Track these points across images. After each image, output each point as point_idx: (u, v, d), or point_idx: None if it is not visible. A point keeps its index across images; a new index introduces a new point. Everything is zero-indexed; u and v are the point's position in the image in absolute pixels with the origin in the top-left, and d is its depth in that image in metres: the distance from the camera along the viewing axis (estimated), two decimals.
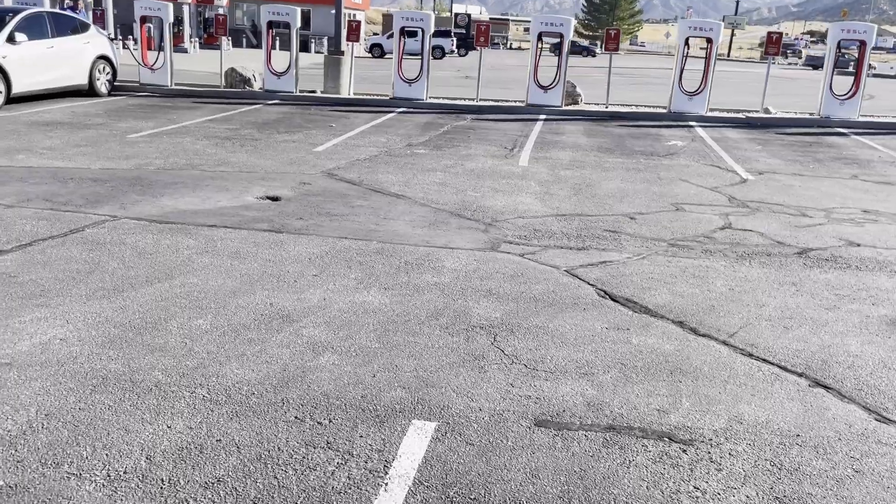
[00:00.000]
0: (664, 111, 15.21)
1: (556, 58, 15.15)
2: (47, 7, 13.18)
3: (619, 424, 3.16)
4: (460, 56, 45.69)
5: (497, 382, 3.49)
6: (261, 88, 15.85)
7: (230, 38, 16.57)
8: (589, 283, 4.99)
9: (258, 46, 35.70)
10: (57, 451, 2.77)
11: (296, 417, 3.10)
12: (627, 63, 40.64)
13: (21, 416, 3.01)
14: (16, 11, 12.30)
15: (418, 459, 2.83)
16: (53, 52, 12.76)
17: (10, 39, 11.78)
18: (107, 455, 2.76)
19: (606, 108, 15.51)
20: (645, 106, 16.32)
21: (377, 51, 39.56)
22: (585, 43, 63.56)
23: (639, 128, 13.57)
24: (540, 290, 4.82)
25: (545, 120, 14.05)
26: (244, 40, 38.21)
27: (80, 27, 13.78)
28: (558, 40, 15.29)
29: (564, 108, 15.15)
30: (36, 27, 12.40)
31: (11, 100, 11.99)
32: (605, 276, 5.17)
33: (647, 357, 3.86)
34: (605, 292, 4.84)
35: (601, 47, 52.80)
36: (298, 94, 15.48)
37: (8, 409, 3.05)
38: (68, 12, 15.20)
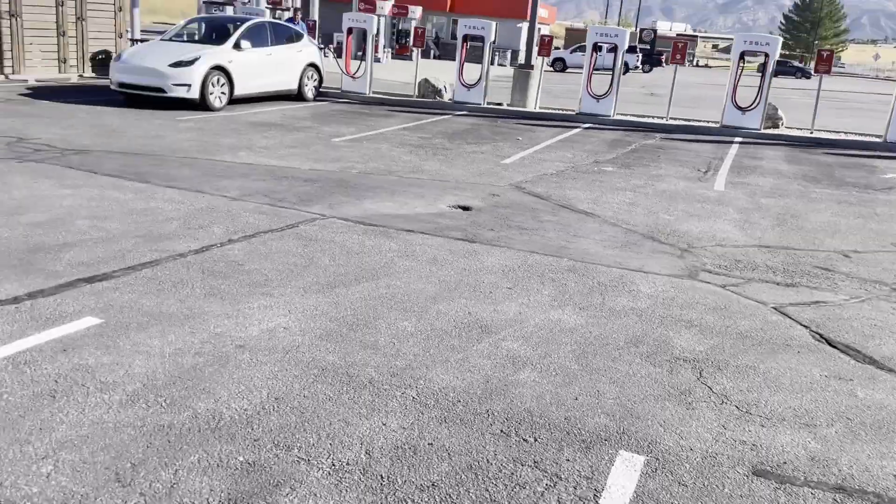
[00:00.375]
0: (878, 140, 13.87)
1: (759, 78, 14.29)
2: (267, 17, 14.37)
3: (849, 486, 2.89)
4: (644, 72, 44.51)
5: (707, 422, 3.32)
6: (450, 99, 16.34)
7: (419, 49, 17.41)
8: (801, 324, 4.63)
9: (441, 58, 36.90)
10: (287, 435, 2.98)
11: (501, 431, 3.13)
12: (831, 86, 37.50)
13: (255, 397, 3.28)
14: (242, 21, 13.58)
15: (629, 494, 2.75)
16: (271, 59, 13.93)
17: (237, 46, 13.02)
18: (330, 444, 2.94)
19: (811, 133, 14.40)
20: (854, 133, 14.97)
21: (559, 65, 39.48)
22: (800, 63, 59.26)
23: (848, 157, 12.47)
24: (746, 326, 4.55)
25: (741, 143, 13.30)
26: (431, 52, 39.65)
27: (295, 36, 14.96)
28: (763, 59, 14.42)
29: (763, 131, 14.25)
30: (258, 36, 13.60)
31: (233, 101, 13.23)
32: (820, 317, 4.77)
33: (877, 414, 3.51)
34: (821, 336, 4.47)
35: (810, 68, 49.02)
36: (486, 106, 15.79)
37: (243, 389, 3.34)
38: (287, 23, 16.53)
